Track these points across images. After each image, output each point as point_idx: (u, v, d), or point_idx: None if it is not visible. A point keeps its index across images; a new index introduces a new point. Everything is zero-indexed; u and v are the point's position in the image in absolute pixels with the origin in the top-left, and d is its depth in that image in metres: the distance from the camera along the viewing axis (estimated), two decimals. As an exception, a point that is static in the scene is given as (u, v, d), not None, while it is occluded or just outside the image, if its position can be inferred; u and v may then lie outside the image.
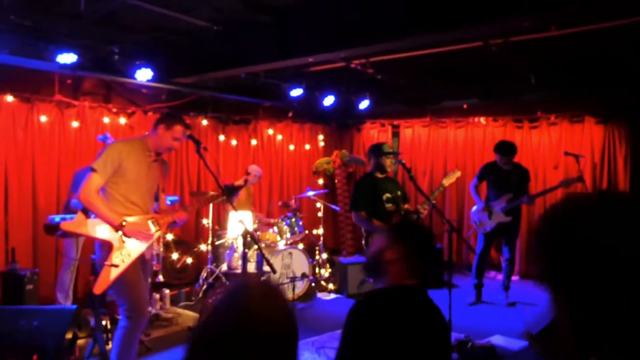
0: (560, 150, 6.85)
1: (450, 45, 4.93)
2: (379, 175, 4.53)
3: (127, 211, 3.22)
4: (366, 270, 2.17)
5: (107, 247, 3.17)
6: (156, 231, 3.34)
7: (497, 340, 4.51)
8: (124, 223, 3.14)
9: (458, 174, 4.84)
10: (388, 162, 4.50)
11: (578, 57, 5.69)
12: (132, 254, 3.19)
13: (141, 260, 3.30)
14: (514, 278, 7.06)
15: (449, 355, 2.06)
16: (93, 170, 3.15)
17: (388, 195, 4.40)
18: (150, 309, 3.46)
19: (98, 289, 3.12)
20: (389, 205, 4.35)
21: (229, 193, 3.59)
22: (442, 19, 3.88)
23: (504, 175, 5.69)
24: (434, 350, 1.92)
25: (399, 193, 4.51)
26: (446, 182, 4.72)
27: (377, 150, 4.56)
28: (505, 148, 5.68)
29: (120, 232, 3.14)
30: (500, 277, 6.67)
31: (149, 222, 3.31)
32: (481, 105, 7.28)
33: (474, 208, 5.89)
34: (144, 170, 3.31)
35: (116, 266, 3.10)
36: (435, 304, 2.05)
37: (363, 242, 4.39)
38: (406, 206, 4.56)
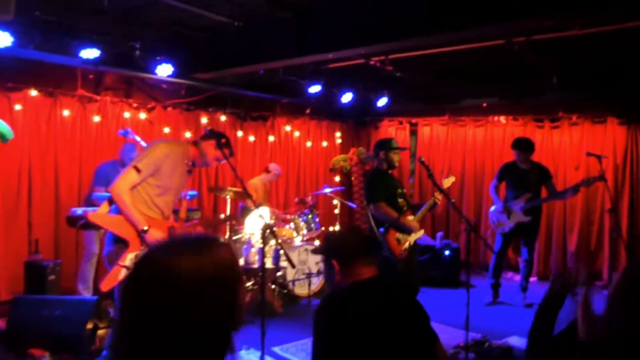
0: (582, 151, 6.75)
1: (472, 42, 4.89)
2: (388, 170, 4.52)
3: (148, 212, 3.23)
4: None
5: (122, 246, 3.15)
6: None
7: (514, 341, 4.47)
8: (145, 228, 3.13)
9: (452, 179, 4.85)
10: (396, 157, 4.49)
11: (601, 56, 5.60)
12: None
13: None
14: (532, 279, 7.00)
15: (426, 338, 2.06)
16: (136, 168, 3.15)
17: (399, 190, 4.42)
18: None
19: (106, 286, 3.11)
20: (401, 201, 4.37)
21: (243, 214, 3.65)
22: (464, 16, 3.85)
23: (523, 174, 5.64)
24: (400, 334, 1.95)
25: (404, 190, 4.58)
26: (444, 184, 4.70)
27: (386, 145, 4.53)
28: (523, 144, 5.65)
29: (143, 237, 3.15)
30: (517, 278, 6.61)
31: (168, 229, 3.32)
32: (501, 104, 7.21)
33: (493, 208, 5.84)
34: (177, 176, 3.32)
35: (128, 268, 3.10)
36: (399, 288, 2.19)
37: (381, 238, 4.33)
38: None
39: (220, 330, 1.06)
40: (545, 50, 5.08)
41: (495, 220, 5.77)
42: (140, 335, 1.02)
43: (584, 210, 6.93)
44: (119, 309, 1.06)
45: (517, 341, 4.48)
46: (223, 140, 3.43)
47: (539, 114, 7.28)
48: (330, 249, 2.19)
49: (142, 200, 3.22)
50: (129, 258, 3.12)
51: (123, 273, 3.09)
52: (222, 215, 3.68)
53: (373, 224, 4.36)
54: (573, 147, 7.04)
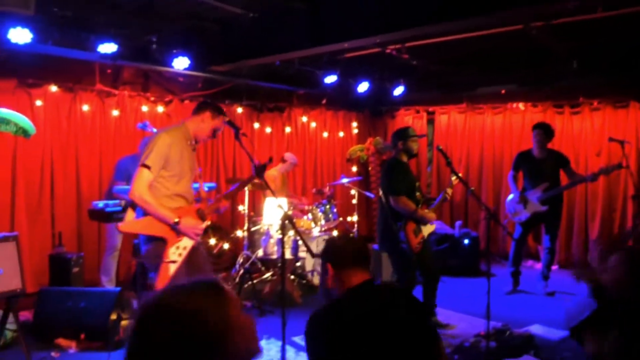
0: (603, 136, 6.64)
1: (489, 28, 4.81)
2: (405, 160, 4.45)
3: (174, 203, 3.25)
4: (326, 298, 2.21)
5: (160, 244, 3.17)
6: (204, 221, 3.35)
7: (536, 329, 4.44)
8: (176, 220, 3.15)
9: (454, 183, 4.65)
10: (415, 145, 4.42)
11: (623, 39, 5.47)
12: (188, 246, 3.23)
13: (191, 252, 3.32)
14: (554, 267, 6.92)
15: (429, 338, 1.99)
16: (145, 166, 3.12)
17: (417, 183, 4.40)
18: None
19: (160, 284, 3.13)
20: (417, 194, 4.34)
21: (262, 172, 3.54)
22: (481, 1, 3.79)
23: (537, 163, 5.55)
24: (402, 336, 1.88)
25: (418, 183, 4.55)
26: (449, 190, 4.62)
27: (403, 134, 4.45)
28: (545, 126, 5.58)
29: (178, 230, 3.17)
30: (538, 266, 6.55)
31: (197, 212, 3.33)
32: (520, 91, 7.10)
33: (510, 197, 5.78)
34: (186, 160, 3.32)
35: (174, 262, 3.13)
36: (397, 292, 2.12)
37: (399, 231, 4.29)
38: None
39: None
40: (565, 34, 4.98)
41: (512, 210, 5.72)
42: None
43: (605, 197, 6.82)
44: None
45: (539, 329, 4.45)
46: (226, 119, 3.47)
47: (558, 100, 7.16)
48: (326, 252, 2.16)
49: (163, 194, 3.24)
50: (171, 252, 3.15)
51: (172, 267, 3.11)
52: (238, 183, 3.64)
53: (390, 215, 4.33)
54: (594, 132, 6.91)
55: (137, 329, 1.04)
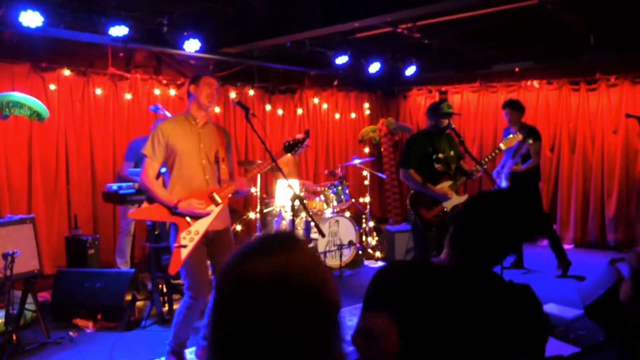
0: (621, 113, 6.52)
1: (503, 4, 4.72)
2: (435, 133, 4.37)
3: (186, 188, 3.23)
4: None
5: (175, 228, 3.21)
6: (218, 204, 3.30)
7: (550, 308, 4.43)
8: (177, 205, 3.16)
9: (519, 137, 4.64)
10: (446, 121, 4.30)
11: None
12: (200, 231, 3.22)
13: (210, 237, 3.31)
14: (569, 247, 6.87)
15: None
16: (145, 156, 3.21)
17: (440, 155, 4.28)
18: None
19: (172, 269, 3.18)
20: (438, 166, 4.26)
21: (291, 149, 3.48)
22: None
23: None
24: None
25: (452, 153, 4.36)
26: (504, 145, 4.59)
27: (434, 109, 4.37)
28: (515, 103, 5.62)
29: (179, 213, 3.17)
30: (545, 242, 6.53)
31: (209, 196, 3.28)
32: (535, 68, 6.97)
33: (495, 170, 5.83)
34: (193, 141, 3.28)
35: (184, 246, 3.15)
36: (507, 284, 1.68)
37: (408, 202, 4.35)
38: (462, 163, 4.43)
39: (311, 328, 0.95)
40: (581, 9, 4.87)
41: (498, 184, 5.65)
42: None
43: (622, 175, 6.71)
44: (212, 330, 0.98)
45: (553, 308, 4.44)
46: (208, 78, 3.31)
47: (574, 77, 7.02)
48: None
49: (177, 181, 3.25)
50: (182, 237, 3.17)
51: (184, 252, 3.15)
52: (259, 161, 3.59)
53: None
54: (611, 109, 6.78)
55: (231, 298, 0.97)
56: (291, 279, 0.94)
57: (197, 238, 3.19)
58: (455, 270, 1.61)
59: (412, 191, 4.34)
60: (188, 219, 3.20)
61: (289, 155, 3.60)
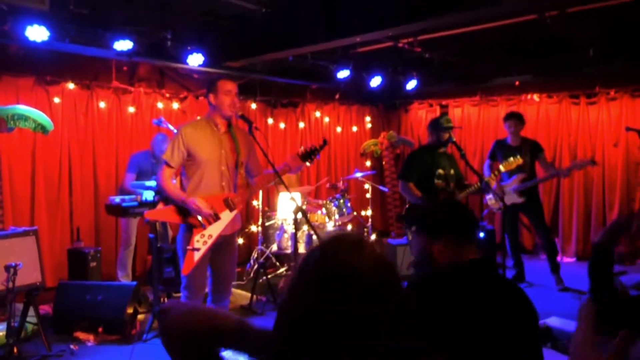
0: (621, 126, 6.54)
1: (502, 19, 4.77)
2: (438, 149, 4.43)
3: (204, 192, 3.26)
4: (416, 268, 1.92)
5: (189, 231, 3.24)
6: (233, 210, 3.31)
7: (553, 321, 4.40)
8: (184, 199, 3.19)
9: (519, 160, 4.70)
10: (446, 135, 4.38)
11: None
12: (214, 235, 3.24)
13: (219, 242, 3.31)
14: (570, 259, 6.86)
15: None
16: (164, 160, 3.26)
17: (441, 171, 4.33)
18: (206, 290, 3.51)
19: (185, 271, 3.20)
20: (438, 182, 4.30)
21: (309, 157, 3.41)
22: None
23: (514, 152, 5.34)
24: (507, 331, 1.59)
25: (452, 172, 4.42)
26: (504, 168, 4.62)
27: (435, 124, 4.46)
28: (516, 115, 5.61)
29: (200, 217, 3.19)
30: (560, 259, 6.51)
31: (224, 201, 3.29)
32: (535, 82, 7.02)
33: None
34: (215, 147, 3.29)
35: (198, 249, 3.17)
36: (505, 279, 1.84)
37: (404, 213, 4.42)
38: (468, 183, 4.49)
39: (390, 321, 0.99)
40: (580, 23, 4.91)
41: (490, 198, 5.62)
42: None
43: (624, 186, 6.72)
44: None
45: (556, 322, 4.40)
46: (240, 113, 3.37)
47: (574, 90, 7.06)
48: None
49: (194, 185, 3.28)
50: (196, 240, 3.19)
51: (197, 255, 3.17)
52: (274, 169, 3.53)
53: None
54: (611, 123, 6.81)
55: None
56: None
57: (210, 242, 3.22)
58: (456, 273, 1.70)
59: (408, 204, 4.37)
60: (199, 217, 3.20)
61: (307, 164, 3.52)
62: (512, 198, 5.46)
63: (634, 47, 5.77)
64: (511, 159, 4.65)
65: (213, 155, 3.28)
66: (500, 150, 5.60)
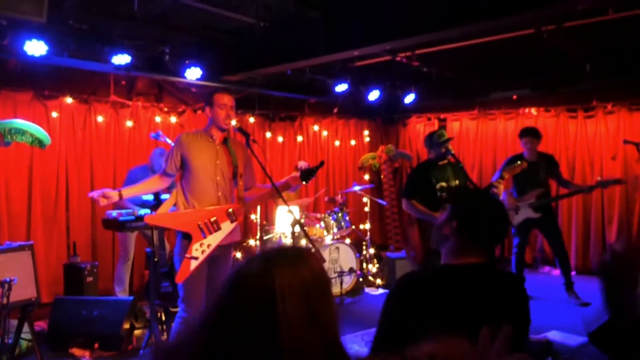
0: (618, 140, 6.55)
1: (500, 33, 4.80)
2: (438, 163, 4.38)
3: (199, 203, 3.26)
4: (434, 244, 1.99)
5: (187, 239, 3.22)
6: (234, 221, 3.32)
7: (554, 335, 4.36)
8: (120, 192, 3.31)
9: (524, 164, 4.61)
10: (443, 149, 4.33)
11: (636, 41, 5.42)
12: (212, 244, 3.23)
13: (216, 254, 3.30)
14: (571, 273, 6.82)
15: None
16: (165, 172, 3.35)
17: (443, 184, 4.28)
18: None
19: (179, 278, 3.17)
20: (442, 194, 4.27)
21: (307, 177, 3.45)
22: (491, 6, 3.78)
23: (530, 167, 5.21)
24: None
25: (456, 182, 4.33)
26: (507, 174, 4.58)
27: (430, 141, 4.44)
28: (532, 131, 5.49)
29: (199, 224, 3.20)
30: (555, 272, 6.46)
31: (227, 213, 3.30)
32: (532, 96, 7.05)
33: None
34: (210, 157, 3.31)
35: (196, 258, 3.14)
36: (508, 281, 1.89)
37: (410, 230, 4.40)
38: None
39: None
40: (577, 37, 4.95)
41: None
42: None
43: (623, 200, 6.71)
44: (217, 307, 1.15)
45: (557, 335, 4.37)
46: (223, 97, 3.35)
47: (572, 104, 7.09)
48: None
49: (192, 196, 3.29)
50: (194, 249, 3.17)
51: (193, 263, 3.15)
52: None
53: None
54: (609, 136, 6.82)
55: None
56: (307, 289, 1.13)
57: (208, 251, 3.20)
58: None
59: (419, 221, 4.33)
60: (200, 225, 3.19)
61: (303, 183, 3.56)
62: (526, 213, 5.39)
63: (630, 61, 5.81)
64: (517, 162, 4.52)
65: (207, 165, 3.30)
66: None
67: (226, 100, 3.32)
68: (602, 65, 5.78)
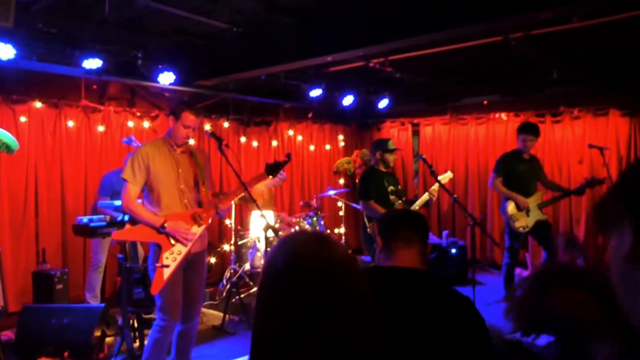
0: (585, 144, 6.73)
1: (469, 40, 4.90)
2: (382, 169, 4.86)
3: (165, 211, 3.26)
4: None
5: (157, 249, 3.23)
6: (201, 225, 3.34)
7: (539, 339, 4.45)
8: (165, 224, 3.19)
9: (449, 175, 4.99)
10: (392, 158, 4.83)
11: (602, 49, 5.60)
12: (183, 251, 3.23)
13: (190, 259, 3.32)
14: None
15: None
16: (125, 180, 3.24)
17: (392, 188, 4.75)
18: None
19: (154, 289, 3.17)
20: (392, 198, 4.71)
21: (273, 171, 3.52)
22: (460, 13, 3.87)
23: (530, 167, 5.30)
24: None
25: (399, 187, 4.88)
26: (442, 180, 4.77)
27: (382, 145, 4.85)
28: (533, 127, 5.29)
29: (166, 232, 3.19)
30: (526, 273, 6.58)
31: (192, 217, 3.31)
32: (502, 101, 7.21)
33: (511, 206, 5.27)
34: (172, 166, 3.33)
35: (167, 266, 3.15)
36: (451, 291, 1.88)
37: (369, 230, 4.66)
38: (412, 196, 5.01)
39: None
40: (544, 45, 5.08)
41: (515, 218, 5.24)
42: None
43: (589, 201, 6.90)
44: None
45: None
46: (191, 115, 3.33)
47: (540, 110, 7.27)
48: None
49: (159, 205, 3.28)
50: (165, 257, 3.18)
51: (166, 272, 3.15)
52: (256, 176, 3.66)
53: (365, 218, 4.78)
54: (576, 141, 7.02)
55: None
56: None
57: (179, 258, 3.21)
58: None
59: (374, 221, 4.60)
60: (172, 240, 3.21)
61: (269, 178, 3.63)
62: (537, 215, 5.27)
63: (595, 69, 5.99)
64: (448, 173, 4.97)
65: (171, 174, 3.31)
66: (518, 164, 5.28)
67: (192, 122, 3.31)
68: (569, 72, 5.94)
